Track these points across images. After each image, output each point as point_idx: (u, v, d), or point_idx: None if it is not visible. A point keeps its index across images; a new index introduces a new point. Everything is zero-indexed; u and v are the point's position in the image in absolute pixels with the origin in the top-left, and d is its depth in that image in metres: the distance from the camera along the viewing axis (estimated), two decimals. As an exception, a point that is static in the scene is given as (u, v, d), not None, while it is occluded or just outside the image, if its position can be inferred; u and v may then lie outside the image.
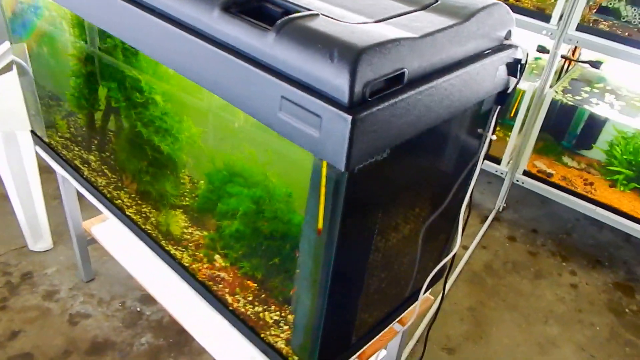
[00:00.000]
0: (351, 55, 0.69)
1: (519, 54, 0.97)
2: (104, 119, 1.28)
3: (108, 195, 1.34)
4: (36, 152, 1.68)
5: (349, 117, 0.68)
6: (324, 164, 0.76)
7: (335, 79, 0.69)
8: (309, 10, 0.80)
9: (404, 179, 0.93)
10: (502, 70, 0.96)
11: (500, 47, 0.94)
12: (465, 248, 2.26)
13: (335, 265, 0.85)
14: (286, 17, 0.76)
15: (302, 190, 0.90)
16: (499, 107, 1.03)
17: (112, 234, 1.72)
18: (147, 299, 1.88)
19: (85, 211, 1.81)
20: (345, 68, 0.68)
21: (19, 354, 1.69)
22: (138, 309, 1.85)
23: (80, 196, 1.70)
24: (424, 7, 0.90)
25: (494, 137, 1.07)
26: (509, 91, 1.01)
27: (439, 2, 0.92)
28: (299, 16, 0.77)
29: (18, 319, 1.78)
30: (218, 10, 0.81)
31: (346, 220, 0.80)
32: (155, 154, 1.15)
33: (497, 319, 1.96)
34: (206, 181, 1.12)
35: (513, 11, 2.06)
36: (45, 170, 1.89)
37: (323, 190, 0.79)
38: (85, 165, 1.39)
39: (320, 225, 0.83)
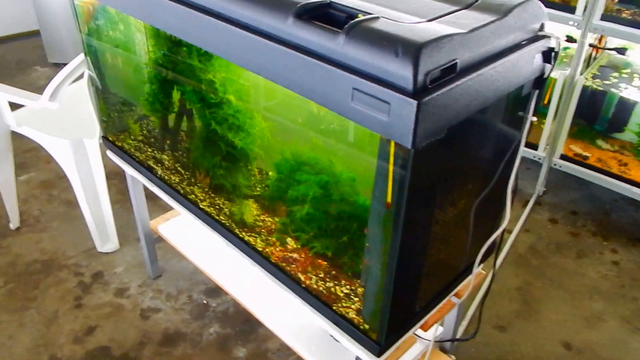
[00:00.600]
0: (413, 50, 0.83)
1: (553, 43, 1.10)
2: (177, 120, 1.44)
3: (182, 192, 1.50)
4: (103, 158, 1.86)
5: (415, 102, 0.81)
6: (392, 143, 0.90)
7: (401, 70, 0.83)
8: (371, 14, 0.94)
9: (458, 157, 1.07)
10: (538, 58, 1.09)
11: (536, 38, 1.07)
12: (510, 232, 2.36)
13: (403, 236, 0.99)
14: (354, 21, 0.90)
15: (364, 173, 1.05)
16: (537, 91, 1.15)
17: (178, 230, 1.89)
18: (212, 292, 2.04)
19: (150, 212, 1.98)
20: (409, 61, 0.82)
21: (97, 347, 1.85)
22: (204, 302, 2.01)
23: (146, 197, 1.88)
24: (468, 6, 1.03)
25: (534, 119, 1.19)
26: (545, 76, 1.13)
27: (480, 1, 1.05)
28: (364, 19, 0.91)
29: (93, 316, 1.96)
30: (292, 18, 0.96)
31: (412, 193, 0.94)
32: (229, 148, 1.30)
33: (545, 297, 2.06)
34: (276, 171, 1.27)
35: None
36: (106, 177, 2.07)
37: (391, 167, 0.93)
38: (159, 165, 1.55)
39: (389, 199, 0.96)
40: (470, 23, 0.95)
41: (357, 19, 0.91)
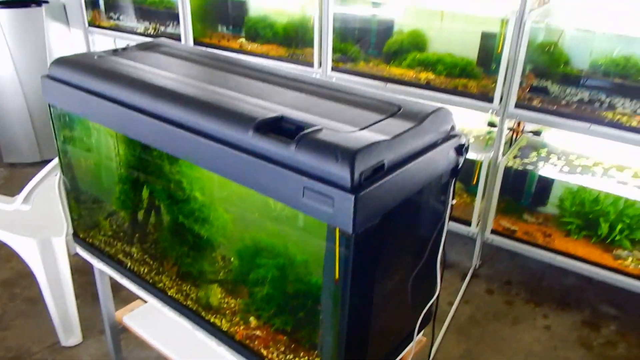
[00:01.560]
0: (350, 156, 1.07)
1: (463, 140, 1.37)
2: (146, 215, 1.62)
3: (150, 281, 1.66)
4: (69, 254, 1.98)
5: (353, 196, 1.04)
6: (337, 230, 1.12)
7: (341, 172, 1.06)
8: (315, 126, 1.19)
9: (393, 238, 1.29)
10: (452, 153, 1.36)
11: (448, 137, 1.34)
12: (451, 304, 2.58)
13: (350, 305, 1.19)
14: (302, 132, 1.14)
15: (316, 255, 1.25)
16: (454, 178, 1.41)
17: (143, 320, 2.00)
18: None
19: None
20: (347, 164, 1.06)
21: None
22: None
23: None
24: (391, 115, 1.30)
25: (454, 201, 1.45)
26: (459, 167, 1.40)
27: (401, 110, 1.32)
28: (311, 130, 1.15)
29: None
30: (252, 131, 1.19)
31: (356, 269, 1.15)
32: (195, 239, 1.49)
33: (485, 363, 2.26)
34: (238, 257, 1.46)
35: (463, 96, 2.56)
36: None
37: (337, 249, 1.14)
38: (128, 258, 1.71)
39: (337, 275, 1.17)
40: (394, 130, 1.21)
41: (305, 131, 1.15)
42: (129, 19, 3.71)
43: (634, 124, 2.27)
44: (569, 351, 2.33)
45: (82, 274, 2.48)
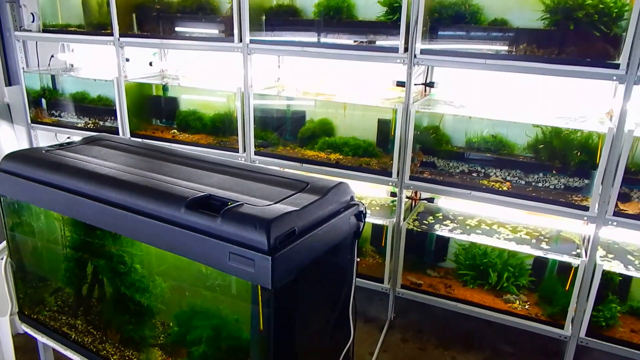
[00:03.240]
0: (266, 224, 1.22)
1: (361, 208, 1.57)
2: (90, 289, 1.68)
3: (94, 350, 1.69)
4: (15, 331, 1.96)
5: (270, 257, 1.19)
6: (259, 287, 1.25)
7: (259, 238, 1.21)
8: (237, 202, 1.34)
9: (308, 291, 1.43)
10: (353, 219, 1.54)
11: (349, 206, 1.53)
12: (371, 354, 2.70)
13: (275, 351, 1.30)
14: (226, 207, 1.29)
15: (244, 314, 1.37)
16: (356, 240, 1.59)
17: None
18: None
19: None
20: (264, 232, 1.21)
21: None
22: None
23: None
24: (301, 190, 1.48)
25: (358, 260, 1.62)
26: (360, 230, 1.58)
27: (309, 186, 1.51)
28: (233, 206, 1.30)
29: None
30: (184, 208, 1.32)
31: (277, 319, 1.27)
32: (136, 307, 1.56)
33: (403, 403, 2.37)
34: (176, 320, 1.55)
35: (367, 172, 2.78)
36: None
37: (260, 303, 1.27)
38: (73, 330, 1.74)
39: (261, 326, 1.29)
40: (302, 202, 1.38)
41: (228, 206, 1.30)
42: (70, 116, 3.78)
43: (505, 188, 2.58)
44: (474, 387, 2.49)
45: (25, 352, 2.41)
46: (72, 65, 3.99)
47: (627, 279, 2.52)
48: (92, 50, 3.86)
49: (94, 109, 3.67)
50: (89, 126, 3.70)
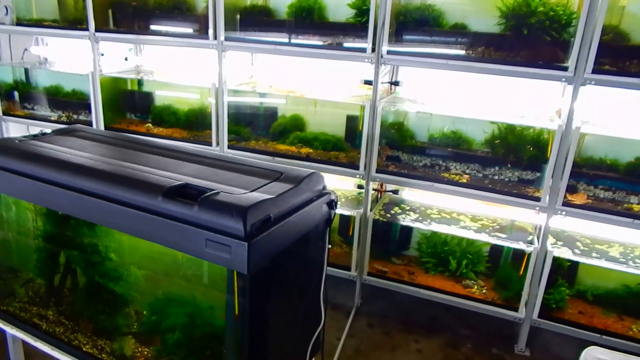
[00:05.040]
0: (242, 212, 1.17)
1: (333, 197, 1.53)
2: (63, 279, 1.59)
3: (66, 340, 1.60)
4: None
5: (246, 244, 1.14)
6: (235, 272, 1.20)
7: (236, 225, 1.16)
8: (214, 190, 1.28)
9: (282, 277, 1.39)
10: (325, 207, 1.50)
11: (321, 195, 1.49)
12: (339, 339, 2.67)
13: (250, 336, 1.25)
14: (203, 195, 1.23)
15: (218, 301, 1.31)
16: (328, 227, 1.55)
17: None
18: None
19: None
20: (240, 219, 1.16)
21: None
22: None
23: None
24: (275, 179, 1.43)
25: (330, 246, 1.58)
26: (332, 218, 1.54)
27: (283, 175, 1.46)
28: (210, 194, 1.24)
29: None
30: (161, 197, 1.26)
31: (252, 304, 1.22)
32: (110, 296, 1.48)
33: (369, 384, 2.35)
34: (150, 308, 1.48)
35: (336, 165, 2.73)
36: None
37: (236, 289, 1.22)
38: (44, 320, 1.64)
39: (237, 311, 1.24)
40: (277, 191, 1.34)
41: (205, 194, 1.24)
42: (43, 109, 3.61)
43: (464, 181, 2.59)
44: (436, 368, 2.50)
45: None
46: (46, 59, 3.82)
47: (575, 265, 2.57)
48: (67, 45, 3.69)
49: (68, 102, 3.52)
50: (62, 119, 3.54)
